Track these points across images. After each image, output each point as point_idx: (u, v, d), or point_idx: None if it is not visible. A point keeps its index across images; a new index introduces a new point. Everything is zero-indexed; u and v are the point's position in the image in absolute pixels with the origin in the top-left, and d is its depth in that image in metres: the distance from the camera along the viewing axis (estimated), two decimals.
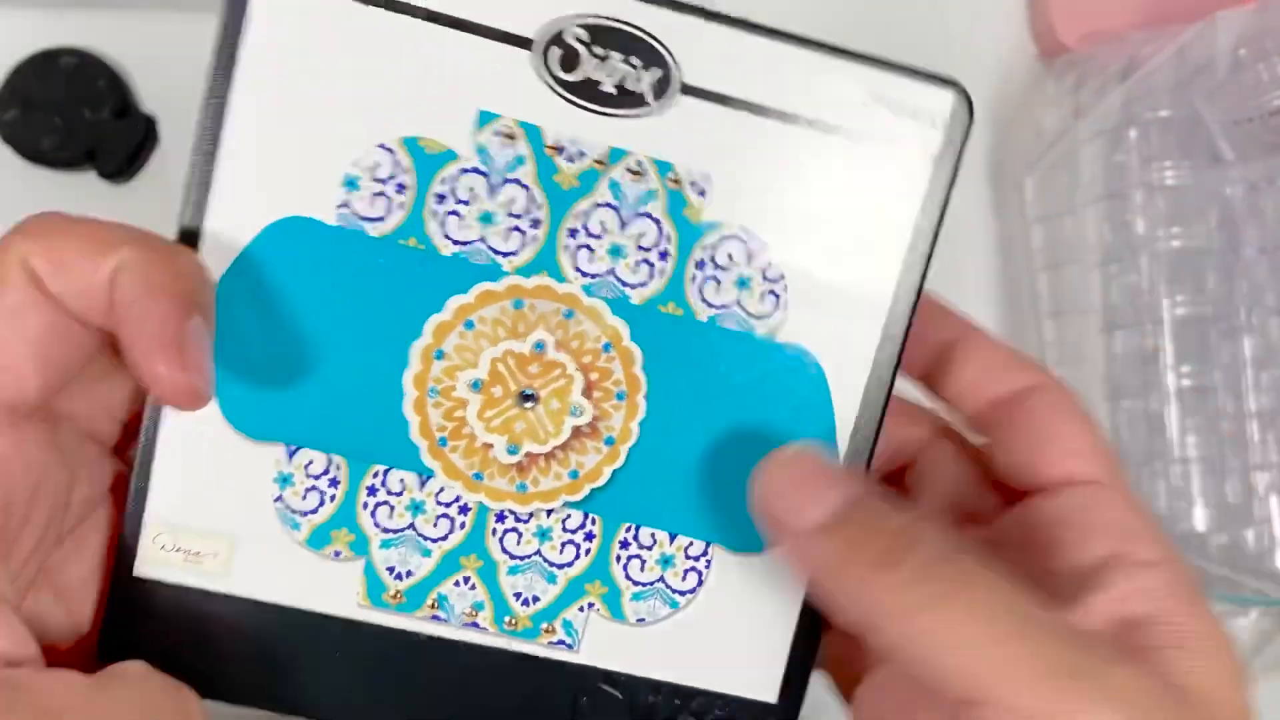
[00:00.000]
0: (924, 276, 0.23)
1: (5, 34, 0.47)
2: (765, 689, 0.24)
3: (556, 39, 0.21)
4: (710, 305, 0.23)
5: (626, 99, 0.22)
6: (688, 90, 0.22)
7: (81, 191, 0.47)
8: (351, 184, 0.21)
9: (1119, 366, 0.42)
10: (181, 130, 0.47)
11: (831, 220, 0.23)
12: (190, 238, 0.22)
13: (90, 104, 0.46)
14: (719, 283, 0.23)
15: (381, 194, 0.21)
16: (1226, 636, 0.21)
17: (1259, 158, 0.43)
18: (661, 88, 0.22)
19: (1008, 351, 0.24)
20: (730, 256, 0.23)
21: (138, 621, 0.22)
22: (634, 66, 0.22)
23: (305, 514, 0.22)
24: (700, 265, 0.23)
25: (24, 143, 0.46)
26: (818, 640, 0.24)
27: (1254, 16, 0.42)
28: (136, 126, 0.46)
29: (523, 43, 0.21)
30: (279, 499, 0.22)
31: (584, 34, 0.21)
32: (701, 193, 0.22)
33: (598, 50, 0.21)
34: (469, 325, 0.22)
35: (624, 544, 0.23)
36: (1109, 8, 0.47)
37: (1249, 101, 0.42)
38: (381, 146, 0.21)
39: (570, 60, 0.21)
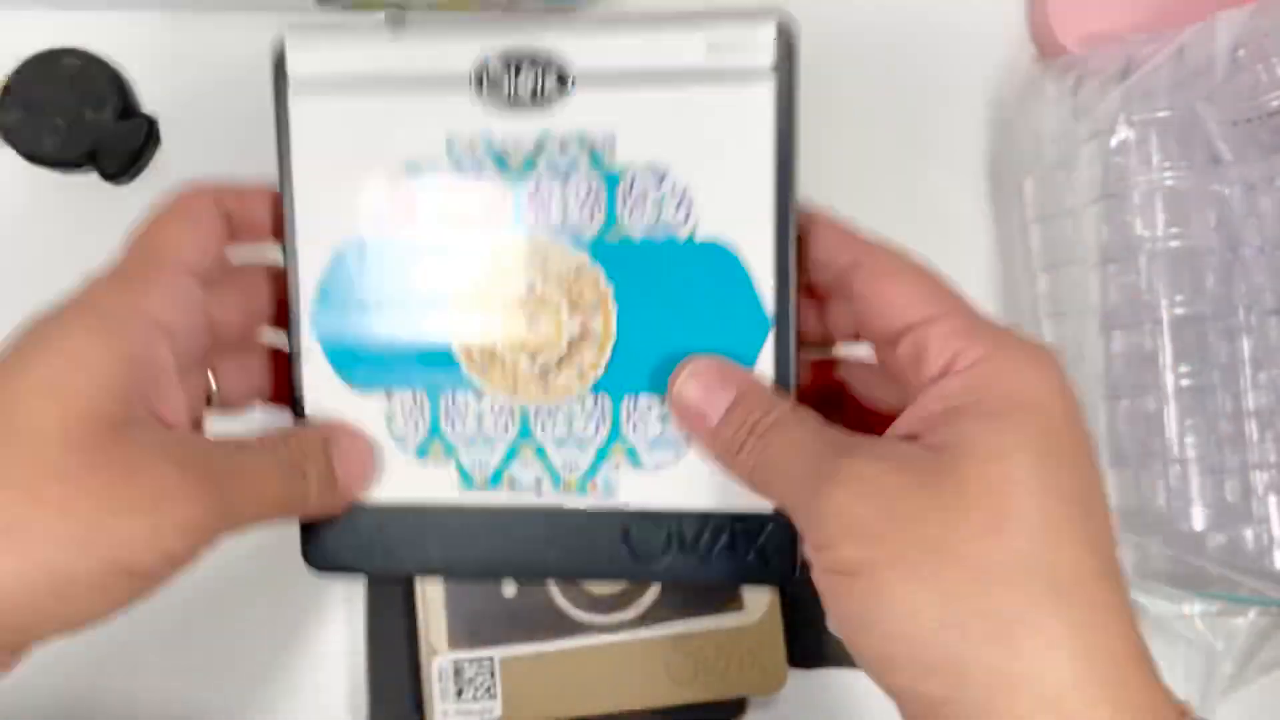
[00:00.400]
0: (793, 161, 0.30)
1: (7, 34, 0.47)
2: (762, 504, 0.30)
3: (483, 71, 0.30)
4: (639, 225, 0.30)
5: (541, 98, 0.30)
6: (583, 79, 0.30)
7: (83, 192, 0.47)
8: (379, 207, 0.31)
9: (1117, 366, 0.43)
10: (182, 131, 0.47)
11: (711, 138, 0.30)
12: (292, 260, 0.32)
13: (92, 105, 0.46)
14: (643, 208, 0.30)
15: (401, 210, 0.31)
16: (1026, 414, 0.25)
17: (1258, 158, 0.43)
18: (563, 82, 0.30)
19: (844, 232, 0.30)
20: (645, 187, 0.30)
21: (320, 529, 0.32)
22: (541, 72, 0.30)
23: (408, 436, 0.32)
24: (625, 199, 0.30)
25: (26, 143, 0.46)
26: None
27: (1253, 17, 0.42)
28: (138, 127, 0.46)
29: (460, 80, 0.30)
30: (388, 428, 0.32)
31: (499, 61, 0.30)
32: (611, 146, 0.30)
33: (512, 68, 0.30)
34: (478, 283, 0.31)
35: (629, 413, 0.31)
36: (1108, 9, 0.48)
37: (1248, 102, 0.42)
38: (390, 177, 0.31)
39: (495, 82, 0.30)
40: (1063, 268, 0.46)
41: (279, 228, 0.32)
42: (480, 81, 0.30)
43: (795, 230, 0.30)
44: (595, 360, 0.31)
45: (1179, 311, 0.42)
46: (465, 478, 0.32)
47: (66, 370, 0.26)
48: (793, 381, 0.30)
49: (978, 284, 0.49)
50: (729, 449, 0.29)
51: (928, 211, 0.49)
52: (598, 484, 0.31)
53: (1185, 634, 0.46)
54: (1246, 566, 0.43)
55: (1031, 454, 0.24)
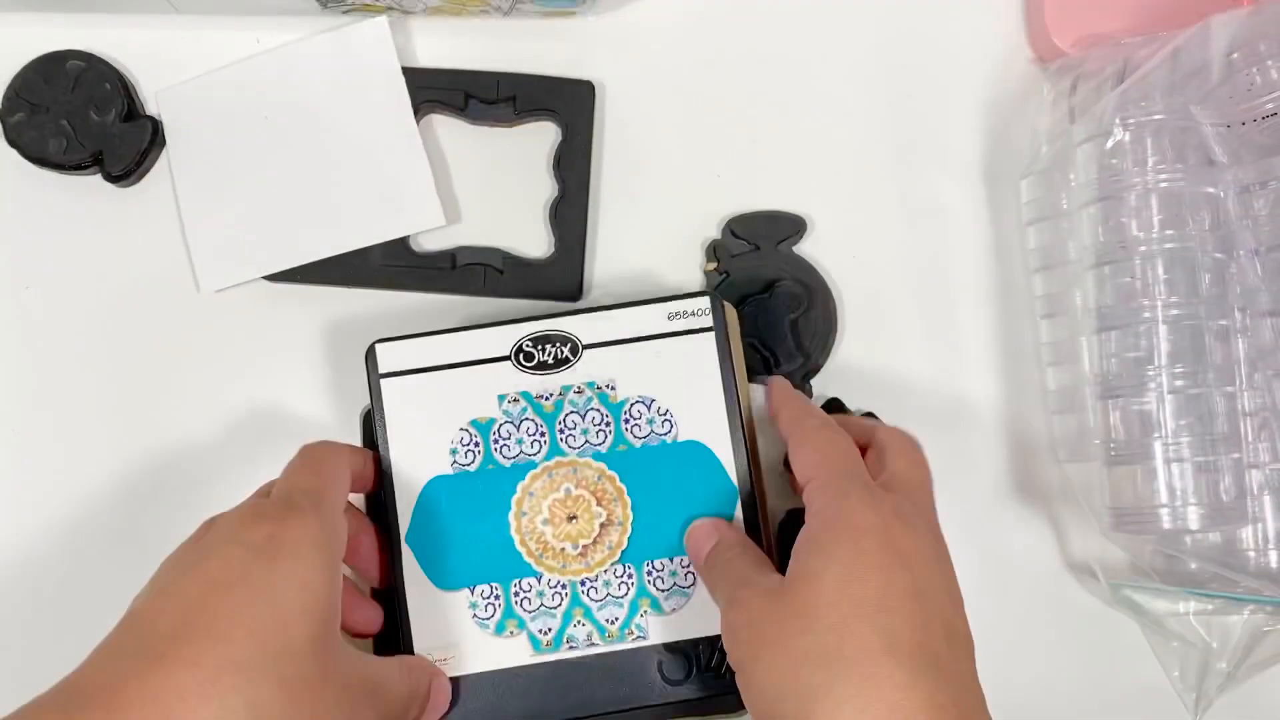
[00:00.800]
0: (737, 390, 0.42)
1: (12, 37, 0.47)
2: None
3: (519, 349, 0.42)
4: (639, 437, 0.42)
5: (561, 362, 0.42)
6: (587, 346, 0.42)
7: (88, 194, 0.47)
8: (454, 452, 0.42)
9: (1113, 366, 0.43)
10: (185, 133, 0.47)
11: (681, 373, 0.42)
12: (390, 497, 0.42)
13: (97, 107, 0.46)
14: (639, 425, 0.42)
15: (469, 450, 0.42)
16: (848, 546, 0.35)
17: (1251, 160, 0.43)
18: (575, 351, 0.42)
19: (786, 394, 0.42)
20: (639, 411, 0.42)
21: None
22: (559, 346, 0.42)
23: (488, 619, 0.41)
24: (626, 421, 0.42)
25: (31, 145, 0.46)
26: None
27: (1247, 20, 0.42)
28: (143, 130, 0.46)
29: (504, 357, 0.42)
30: (473, 615, 0.41)
31: (530, 342, 0.42)
32: (613, 388, 0.42)
33: (539, 345, 0.42)
34: (531, 494, 0.42)
35: (648, 573, 0.42)
36: (1104, 12, 0.48)
37: (1241, 105, 0.43)
38: (460, 429, 0.42)
39: (529, 355, 0.42)
40: (1058, 268, 0.47)
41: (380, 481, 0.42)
42: (519, 355, 0.42)
43: (745, 424, 0.42)
44: (620, 538, 0.42)
45: (1174, 312, 0.42)
46: (534, 643, 0.41)
47: (311, 594, 0.33)
48: (760, 523, 0.42)
49: (974, 285, 0.49)
50: (705, 575, 0.40)
51: (925, 212, 0.49)
52: (634, 630, 0.41)
53: (1181, 632, 0.46)
54: (1241, 565, 0.43)
55: (838, 573, 0.34)
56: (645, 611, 0.41)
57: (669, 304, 0.42)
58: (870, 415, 0.48)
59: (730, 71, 0.49)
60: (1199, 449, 0.42)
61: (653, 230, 0.49)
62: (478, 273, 0.47)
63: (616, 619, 0.41)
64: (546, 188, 0.48)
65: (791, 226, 0.48)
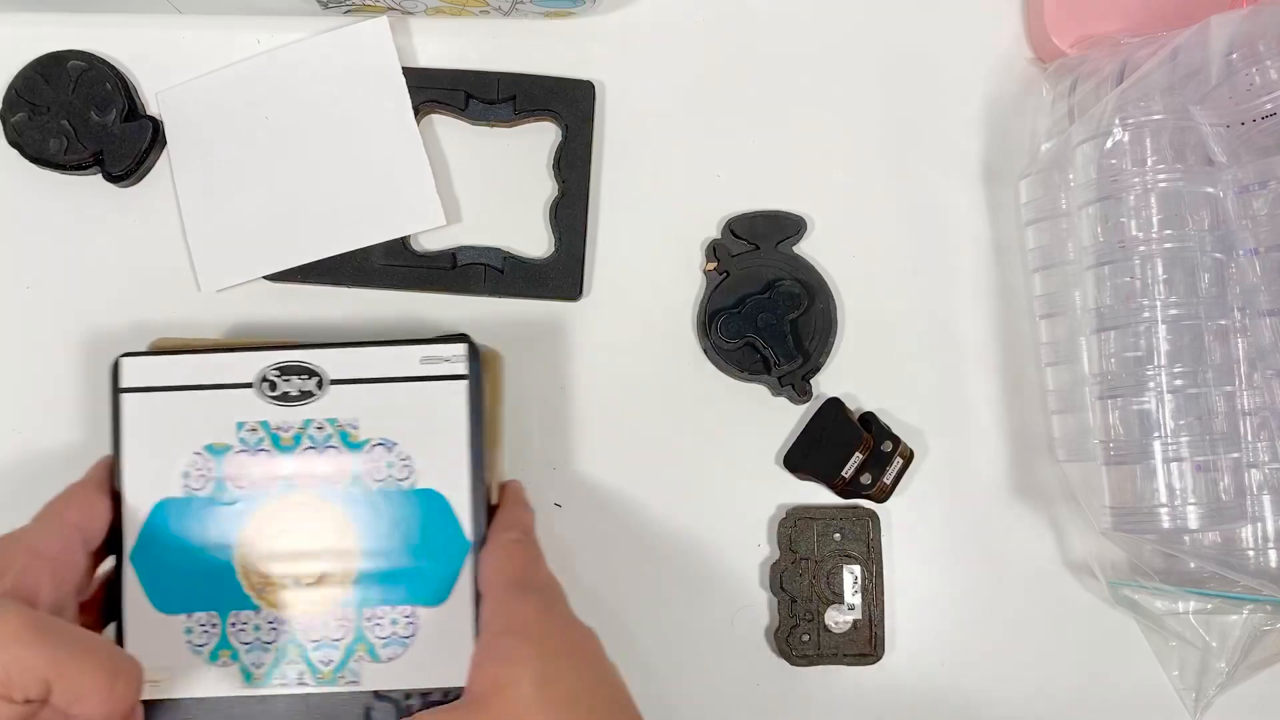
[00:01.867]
0: (482, 434, 0.41)
1: (12, 37, 0.47)
2: (459, 679, 0.38)
3: (264, 377, 0.41)
4: (376, 480, 0.41)
5: (305, 395, 0.41)
6: (334, 382, 0.41)
7: (88, 194, 0.48)
8: (186, 475, 0.41)
9: (1112, 366, 0.43)
10: (186, 133, 0.47)
11: (427, 418, 0.41)
12: (121, 518, 0.41)
13: (97, 107, 0.46)
14: (378, 468, 0.41)
15: (202, 475, 0.41)
16: (510, 660, 0.36)
17: (1250, 161, 0.43)
18: (320, 385, 0.41)
19: (506, 515, 0.42)
20: (380, 454, 0.41)
21: None
22: (303, 378, 0.41)
23: (203, 646, 0.41)
24: (366, 462, 0.41)
25: (31, 145, 0.46)
26: None
27: (1246, 21, 0.42)
28: (143, 130, 0.46)
29: (247, 384, 0.41)
30: (188, 640, 0.41)
31: (275, 371, 0.41)
32: (355, 427, 0.41)
33: (284, 376, 0.41)
34: (259, 527, 0.41)
35: (369, 619, 0.41)
36: (1103, 12, 0.48)
37: (1241, 105, 0.43)
38: (194, 453, 0.41)
39: (273, 385, 0.41)
40: (1058, 268, 0.47)
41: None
42: (262, 384, 0.41)
43: (484, 480, 0.41)
44: (343, 581, 0.41)
45: (1173, 312, 0.42)
46: (246, 676, 0.41)
47: None
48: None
49: (973, 285, 0.49)
50: None
51: (924, 212, 0.49)
52: (347, 674, 0.41)
53: (1180, 631, 0.46)
54: (1240, 564, 0.43)
55: (532, 677, 0.35)
56: (361, 657, 0.41)
57: (423, 347, 0.42)
58: (869, 415, 0.48)
59: (730, 71, 0.49)
60: (1198, 449, 0.42)
61: (653, 230, 0.49)
62: (478, 272, 0.47)
63: (331, 661, 0.41)
64: (546, 188, 0.48)
65: (791, 226, 0.48)
